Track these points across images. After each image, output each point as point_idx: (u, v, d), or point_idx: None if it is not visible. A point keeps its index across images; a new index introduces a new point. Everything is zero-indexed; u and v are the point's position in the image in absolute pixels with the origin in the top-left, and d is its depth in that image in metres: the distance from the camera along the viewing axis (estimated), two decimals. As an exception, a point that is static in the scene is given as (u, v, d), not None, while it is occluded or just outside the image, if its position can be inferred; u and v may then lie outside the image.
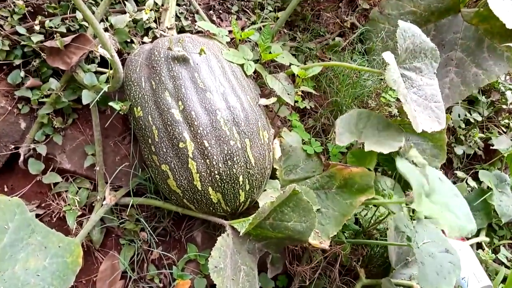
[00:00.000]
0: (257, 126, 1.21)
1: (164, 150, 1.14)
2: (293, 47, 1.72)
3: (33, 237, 1.11)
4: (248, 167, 1.17)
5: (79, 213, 1.32)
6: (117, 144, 1.37)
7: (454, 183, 1.86)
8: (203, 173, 1.13)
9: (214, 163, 1.12)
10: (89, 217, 1.35)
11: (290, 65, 1.39)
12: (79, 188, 1.34)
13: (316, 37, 1.89)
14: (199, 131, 1.12)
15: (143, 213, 1.35)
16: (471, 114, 1.95)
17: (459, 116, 1.88)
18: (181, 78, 1.15)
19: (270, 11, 1.64)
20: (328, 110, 1.62)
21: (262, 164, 1.21)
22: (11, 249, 1.06)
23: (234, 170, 1.14)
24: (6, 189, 1.35)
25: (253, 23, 1.64)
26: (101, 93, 1.12)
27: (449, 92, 1.88)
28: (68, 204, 1.31)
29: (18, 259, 1.06)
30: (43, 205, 1.36)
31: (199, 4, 1.54)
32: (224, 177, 1.14)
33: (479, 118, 1.94)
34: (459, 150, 1.88)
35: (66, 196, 1.33)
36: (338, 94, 1.60)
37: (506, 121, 2.03)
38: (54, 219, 1.34)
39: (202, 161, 1.13)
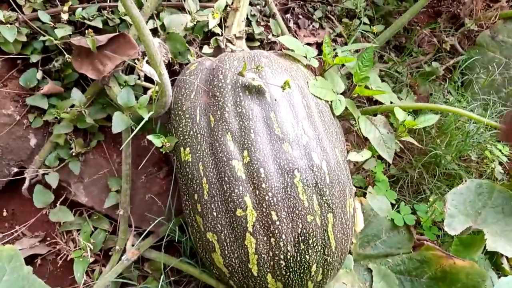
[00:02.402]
0: (344, 194, 0.87)
1: (214, 214, 0.82)
2: (382, 71, 1.35)
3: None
4: (326, 253, 0.83)
5: (91, 259, 1.03)
6: (150, 178, 1.06)
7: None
8: (263, 256, 0.80)
9: (281, 244, 0.79)
10: (103, 266, 1.06)
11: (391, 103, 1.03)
12: (95, 228, 1.04)
13: (408, 57, 1.51)
14: (267, 197, 0.79)
15: (171, 273, 1.04)
16: None
17: None
18: (251, 117, 0.81)
19: (365, 24, 1.27)
20: (418, 159, 1.25)
21: (343, 248, 0.87)
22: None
23: (307, 256, 0.81)
24: (5, 214, 1.07)
25: (339, 35, 1.27)
26: (140, 125, 0.80)
27: None
28: (79, 248, 1.01)
29: None
30: (48, 240, 1.07)
31: (275, 5, 1.18)
32: (292, 265, 0.81)
33: None
34: None
35: (77, 237, 1.03)
36: (435, 141, 1.23)
37: None
38: (60, 261, 1.05)
39: (265, 238, 0.80)
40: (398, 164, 1.29)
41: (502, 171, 1.39)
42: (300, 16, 1.23)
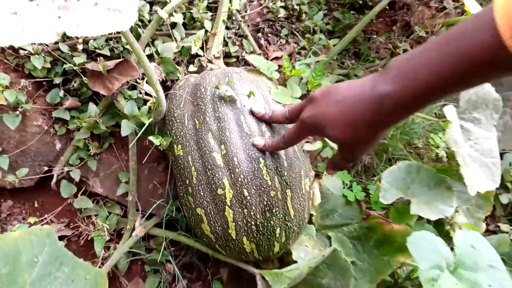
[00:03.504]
0: (300, 175, 1.14)
1: (201, 193, 1.09)
2: (341, 75, 1.62)
3: (61, 270, 1.08)
4: (287, 220, 1.10)
5: (107, 238, 1.29)
6: (151, 171, 1.32)
7: (495, 233, 1.75)
8: (239, 223, 1.07)
9: (252, 213, 1.06)
10: (116, 243, 1.32)
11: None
12: (109, 213, 1.31)
13: (365, 62, 1.78)
14: (239, 178, 1.05)
15: (172, 246, 1.31)
16: (522, 160, 1.82)
17: (510, 164, 1.75)
18: (226, 120, 1.08)
19: (321, 39, 1.54)
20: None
21: (301, 216, 1.14)
22: (39, 284, 1.03)
23: (271, 222, 1.08)
24: (36, 205, 1.33)
25: (303, 48, 1.54)
26: (143, 130, 1.06)
27: (501, 136, 1.74)
28: (97, 229, 1.28)
29: (45, 292, 1.03)
30: (71, 225, 1.33)
31: (248, 26, 1.45)
32: (261, 229, 1.08)
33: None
34: (504, 199, 1.75)
35: (96, 220, 1.30)
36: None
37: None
38: (82, 241, 1.32)
39: (240, 210, 1.07)
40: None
41: (447, 158, 1.65)
42: (269, 34, 1.49)
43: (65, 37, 1.22)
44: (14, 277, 1.01)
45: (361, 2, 1.84)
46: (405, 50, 1.84)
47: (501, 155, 1.78)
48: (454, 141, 1.12)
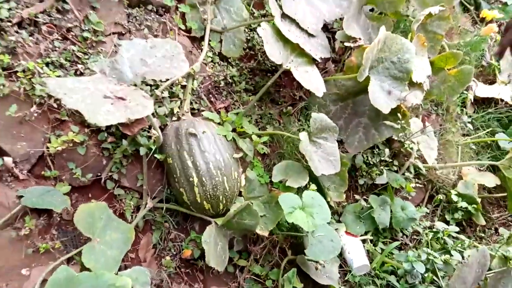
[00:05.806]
0: (231, 169, 2.31)
1: (182, 181, 2.24)
2: (259, 114, 2.82)
3: (112, 224, 2.19)
4: (225, 192, 2.27)
5: (132, 210, 2.41)
6: (155, 172, 2.46)
7: (357, 201, 2.98)
8: (201, 194, 2.23)
9: (207, 189, 2.22)
10: (136, 213, 2.44)
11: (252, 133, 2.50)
12: (132, 197, 2.43)
13: (276, 105, 2.99)
14: (200, 172, 2.21)
15: (167, 212, 2.45)
16: (373, 157, 3.07)
17: (362, 159, 3.00)
18: (192, 145, 2.24)
19: (244, 97, 2.74)
20: (278, 155, 2.72)
21: (233, 191, 2.31)
22: (104, 229, 2.13)
23: (218, 193, 2.24)
24: (90, 195, 2.43)
25: (236, 101, 2.73)
26: (152, 152, 2.21)
27: (357, 144, 2.97)
28: (127, 206, 2.39)
29: (107, 233, 2.13)
30: (110, 205, 2.43)
31: (203, 91, 2.63)
32: (213, 197, 2.23)
33: (377, 160, 3.06)
34: (361, 181, 2.99)
35: (124, 201, 2.41)
36: (283, 146, 2.71)
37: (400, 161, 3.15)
38: (117, 213, 2.42)
39: (201, 188, 2.22)
40: (269, 157, 2.75)
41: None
42: (216, 94, 2.67)
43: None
44: (94, 225, 2.11)
45: (274, 67, 3.05)
46: (300, 96, 3.06)
47: (357, 154, 3.02)
48: (304, 150, 2.32)
